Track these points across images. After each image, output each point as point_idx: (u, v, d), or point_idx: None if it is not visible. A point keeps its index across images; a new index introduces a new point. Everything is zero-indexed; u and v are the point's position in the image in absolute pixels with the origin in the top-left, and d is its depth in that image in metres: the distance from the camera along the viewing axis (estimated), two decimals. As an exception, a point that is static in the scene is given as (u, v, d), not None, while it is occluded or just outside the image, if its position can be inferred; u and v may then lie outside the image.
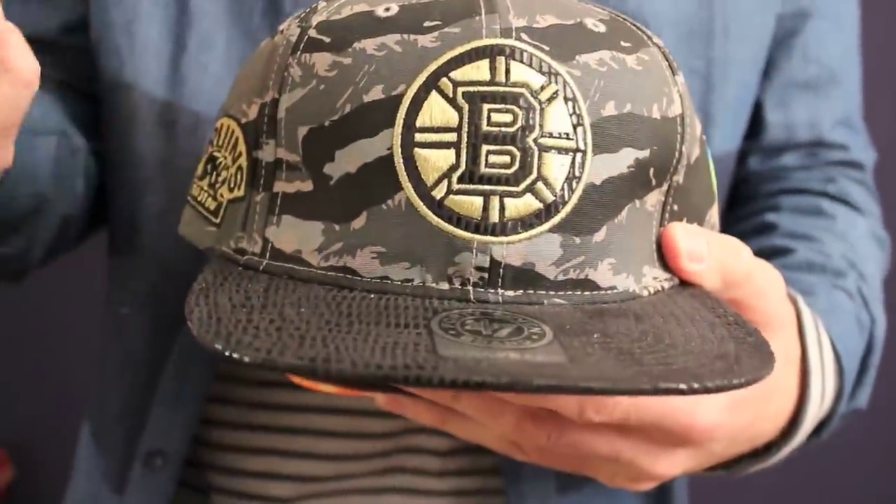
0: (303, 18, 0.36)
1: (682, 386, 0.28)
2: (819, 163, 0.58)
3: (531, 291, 0.32)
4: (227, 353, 0.27)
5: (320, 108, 0.33)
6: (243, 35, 0.49)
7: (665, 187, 0.35)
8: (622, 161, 0.33)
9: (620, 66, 0.34)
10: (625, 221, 0.34)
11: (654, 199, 0.35)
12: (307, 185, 0.33)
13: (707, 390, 0.28)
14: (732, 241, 0.38)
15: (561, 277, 0.33)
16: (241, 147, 0.36)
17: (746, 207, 0.59)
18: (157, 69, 0.50)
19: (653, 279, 0.35)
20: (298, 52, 0.34)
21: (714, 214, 0.40)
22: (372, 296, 0.32)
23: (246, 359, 0.27)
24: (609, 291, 0.34)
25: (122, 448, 0.54)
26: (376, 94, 0.32)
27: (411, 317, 0.30)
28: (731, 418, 0.38)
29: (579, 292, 0.33)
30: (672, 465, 0.38)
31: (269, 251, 0.34)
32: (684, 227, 0.36)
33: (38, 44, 0.52)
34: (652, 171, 0.34)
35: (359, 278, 0.32)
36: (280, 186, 0.34)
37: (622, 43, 0.34)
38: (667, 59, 0.36)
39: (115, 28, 0.50)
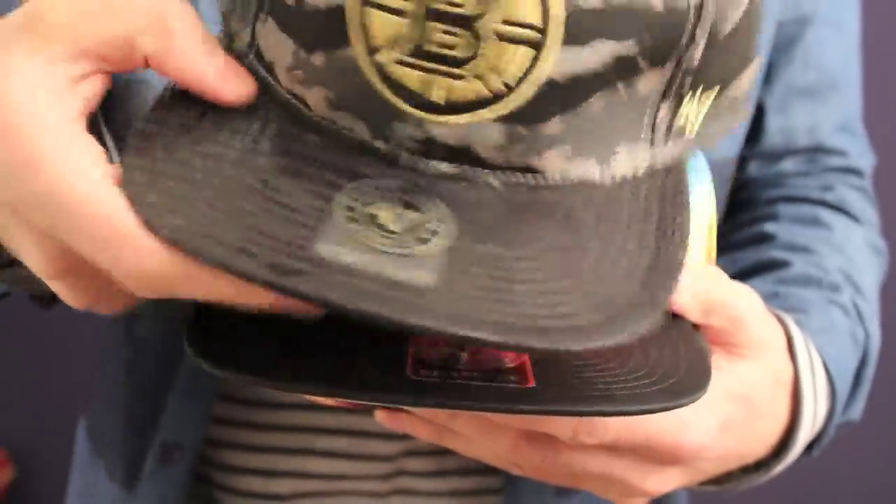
0: None
1: (525, 343, 0.26)
2: (818, 169, 0.58)
3: (466, 167, 0.31)
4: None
5: None
6: None
7: (669, 67, 0.32)
8: (596, 56, 0.30)
9: None
10: (595, 109, 0.31)
11: (649, 82, 0.32)
12: None
13: (549, 352, 0.26)
14: (709, 271, 0.39)
15: (500, 161, 0.31)
16: None
17: (745, 215, 0.59)
18: None
19: (629, 160, 0.33)
20: None
21: (747, 77, 0.36)
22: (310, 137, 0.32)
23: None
24: (555, 179, 0.32)
25: (133, 441, 0.54)
26: None
27: (324, 182, 0.30)
28: (720, 440, 0.39)
29: (519, 176, 0.31)
30: (662, 482, 0.39)
31: (255, 49, 0.33)
32: None
33: None
34: (641, 60, 0.31)
35: (309, 112, 0.32)
36: None
37: None
38: None
39: None
